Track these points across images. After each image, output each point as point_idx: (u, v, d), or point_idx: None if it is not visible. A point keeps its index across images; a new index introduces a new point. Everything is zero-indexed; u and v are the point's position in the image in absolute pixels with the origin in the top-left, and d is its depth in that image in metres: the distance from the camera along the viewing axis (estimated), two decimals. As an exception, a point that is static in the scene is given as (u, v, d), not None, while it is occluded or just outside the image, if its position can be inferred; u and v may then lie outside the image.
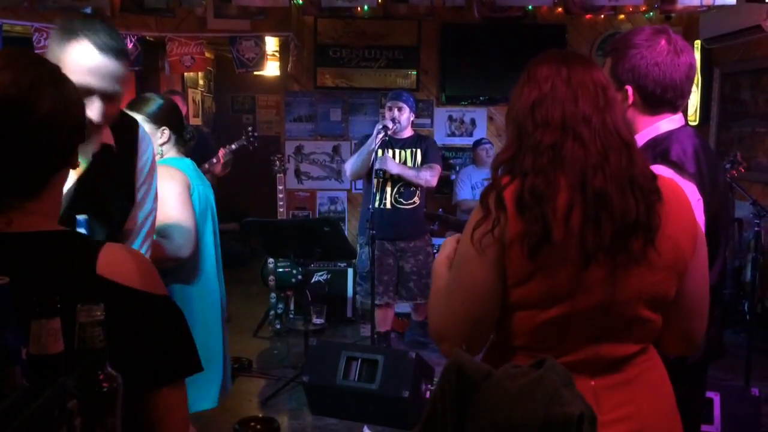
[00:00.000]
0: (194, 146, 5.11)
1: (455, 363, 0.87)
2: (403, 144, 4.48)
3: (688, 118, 5.72)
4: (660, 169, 1.60)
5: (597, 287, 1.27)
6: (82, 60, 1.57)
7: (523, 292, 1.29)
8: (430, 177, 4.35)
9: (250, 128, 5.23)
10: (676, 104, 1.77)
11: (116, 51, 1.62)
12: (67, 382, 0.88)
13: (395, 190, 4.41)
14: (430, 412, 0.89)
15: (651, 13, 5.58)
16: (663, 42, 1.72)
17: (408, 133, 4.51)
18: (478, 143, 5.70)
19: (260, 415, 3.63)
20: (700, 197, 1.65)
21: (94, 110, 1.58)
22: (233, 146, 5.04)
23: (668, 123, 1.74)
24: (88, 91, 1.56)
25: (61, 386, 0.84)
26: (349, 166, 4.48)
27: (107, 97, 1.61)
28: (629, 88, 1.72)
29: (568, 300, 1.27)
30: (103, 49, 1.59)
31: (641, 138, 1.74)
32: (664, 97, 1.73)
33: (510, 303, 1.31)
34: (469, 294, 1.33)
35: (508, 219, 1.27)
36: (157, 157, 2.07)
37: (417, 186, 4.40)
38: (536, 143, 1.30)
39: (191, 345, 1.16)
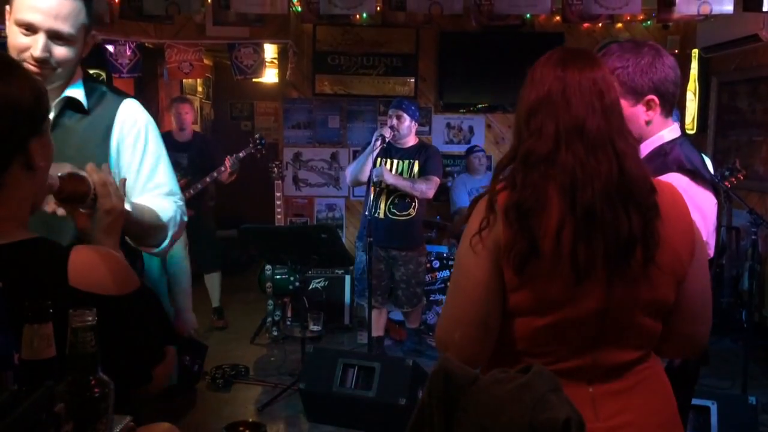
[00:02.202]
0: (199, 154, 5.16)
1: (443, 368, 0.88)
2: (403, 154, 4.45)
3: (686, 127, 5.73)
4: (676, 178, 1.61)
5: (591, 296, 1.26)
6: None
7: (517, 299, 1.29)
8: (425, 189, 4.32)
9: (257, 135, 5.21)
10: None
11: None
12: (56, 386, 0.88)
13: (390, 200, 4.39)
14: (418, 417, 0.89)
15: (648, 22, 5.60)
16: (653, 49, 1.75)
17: (411, 141, 4.47)
18: (470, 151, 5.71)
19: (250, 420, 3.62)
20: (716, 201, 1.67)
21: (36, 46, 1.55)
22: (241, 154, 5.05)
23: (671, 132, 1.76)
24: (31, 28, 1.54)
25: (48, 390, 0.84)
26: (349, 173, 4.49)
27: (55, 36, 1.56)
28: (654, 98, 1.72)
29: (562, 308, 1.26)
30: None
31: (648, 146, 1.75)
32: (676, 95, 1.76)
33: (509, 308, 1.31)
34: (467, 297, 1.32)
35: (498, 224, 1.27)
36: None
37: (413, 197, 4.39)
38: (528, 153, 1.29)
39: (167, 326, 1.21)
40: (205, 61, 6.06)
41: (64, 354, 0.93)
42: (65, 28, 1.57)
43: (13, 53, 1.59)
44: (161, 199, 1.79)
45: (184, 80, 6.98)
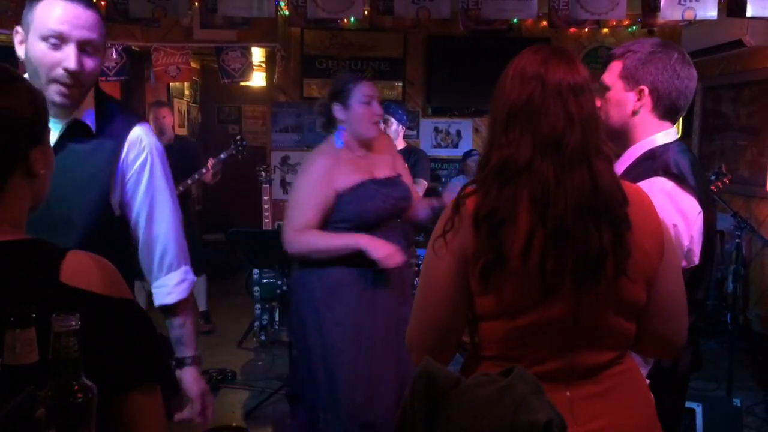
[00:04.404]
0: (181, 158, 5.16)
1: (425, 371, 0.88)
2: None
3: (671, 131, 5.78)
4: (661, 182, 1.61)
5: (560, 302, 1.26)
6: (49, 12, 1.54)
7: (484, 303, 1.28)
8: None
9: (238, 137, 5.21)
10: (679, 114, 1.80)
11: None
12: (38, 392, 0.87)
13: None
14: (401, 420, 0.89)
15: (634, 27, 5.64)
16: (676, 53, 1.76)
17: (399, 145, 4.45)
18: (468, 155, 5.71)
19: (233, 425, 3.60)
20: (701, 210, 1.66)
21: (70, 59, 1.54)
22: (222, 156, 5.05)
23: (665, 136, 1.76)
24: (61, 38, 1.54)
25: (29, 395, 0.84)
26: None
27: (85, 46, 1.57)
28: (645, 88, 1.72)
29: (533, 311, 1.26)
30: None
31: (638, 149, 1.75)
32: (676, 104, 1.75)
33: (478, 313, 1.30)
34: (430, 300, 1.33)
35: (465, 229, 1.27)
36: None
37: None
38: (505, 162, 1.27)
39: (156, 350, 1.17)
40: (192, 65, 6.05)
41: (47, 358, 0.92)
42: (94, 36, 1.58)
43: (42, 71, 1.56)
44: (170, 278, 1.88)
45: (170, 83, 6.94)
